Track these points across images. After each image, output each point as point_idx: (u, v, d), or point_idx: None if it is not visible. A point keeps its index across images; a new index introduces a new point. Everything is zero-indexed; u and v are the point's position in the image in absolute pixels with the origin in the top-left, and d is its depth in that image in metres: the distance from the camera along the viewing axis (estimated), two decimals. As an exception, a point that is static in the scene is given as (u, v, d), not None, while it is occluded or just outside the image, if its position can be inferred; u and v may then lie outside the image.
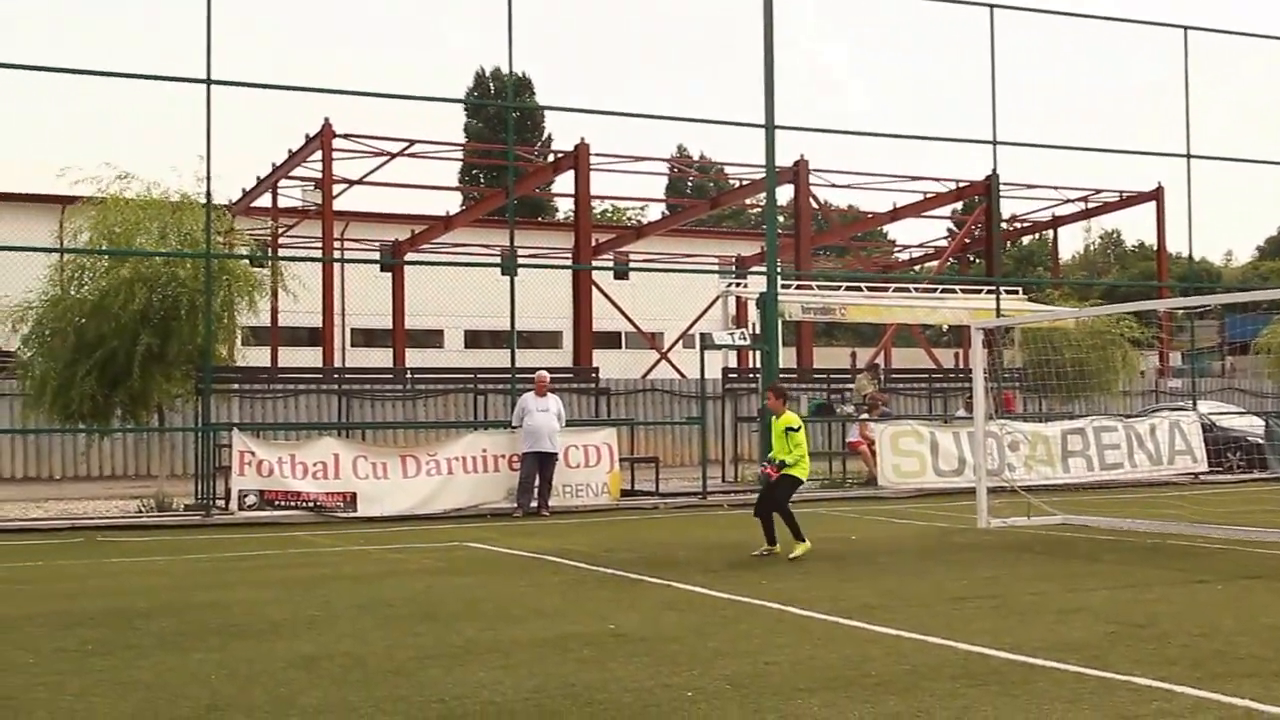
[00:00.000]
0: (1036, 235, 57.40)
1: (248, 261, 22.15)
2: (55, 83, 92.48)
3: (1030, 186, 42.48)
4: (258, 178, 39.07)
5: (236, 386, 23.20)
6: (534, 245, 46.40)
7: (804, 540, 13.36)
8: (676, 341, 43.86)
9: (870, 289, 33.52)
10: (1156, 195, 43.02)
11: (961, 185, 40.06)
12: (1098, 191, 44.76)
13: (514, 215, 24.55)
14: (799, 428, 13.89)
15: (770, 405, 14.50)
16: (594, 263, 38.15)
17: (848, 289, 32.18)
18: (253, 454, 18.63)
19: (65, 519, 18.60)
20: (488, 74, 71.40)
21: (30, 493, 24.12)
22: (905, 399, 30.40)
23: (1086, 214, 48.27)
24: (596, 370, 26.15)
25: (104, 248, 19.97)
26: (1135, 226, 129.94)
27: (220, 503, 18.91)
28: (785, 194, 36.67)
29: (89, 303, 19.55)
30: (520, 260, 22.85)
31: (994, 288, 28.06)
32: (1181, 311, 31.52)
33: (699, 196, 53.32)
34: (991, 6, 24.84)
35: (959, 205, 45.42)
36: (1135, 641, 8.36)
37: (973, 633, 8.68)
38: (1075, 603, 10.07)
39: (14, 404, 24.38)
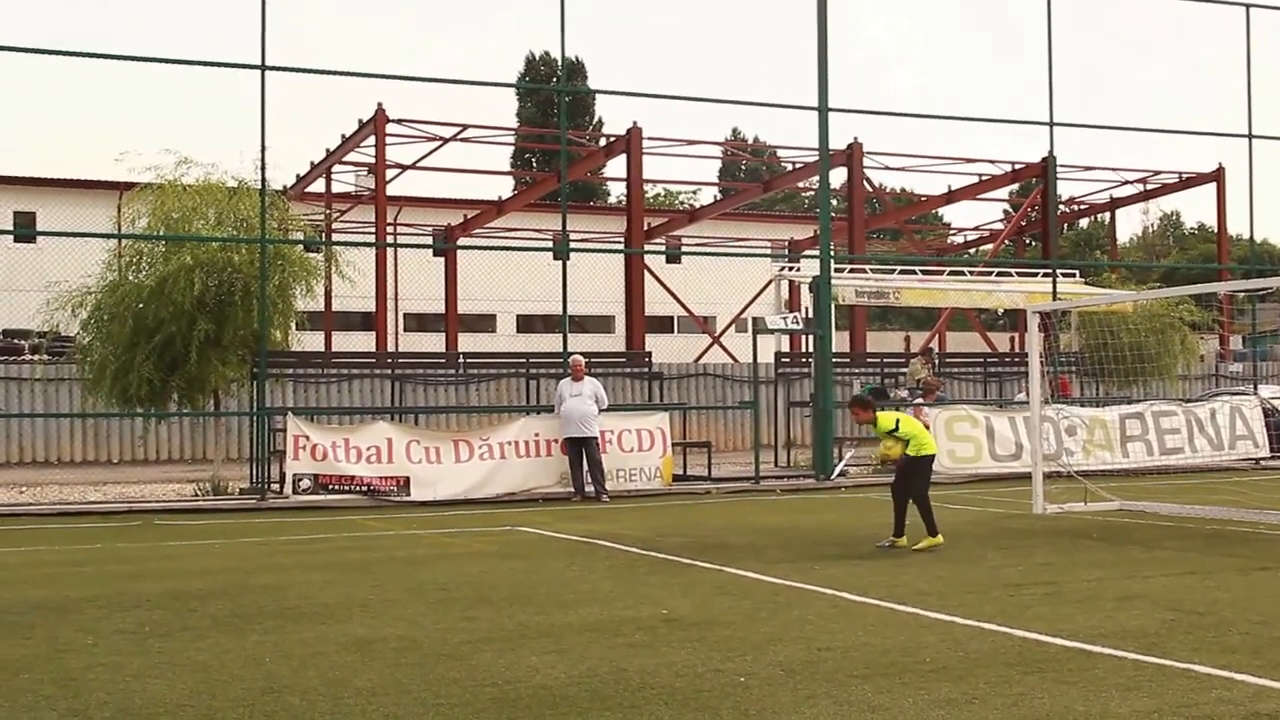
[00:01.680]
0: (1094, 217, 56.81)
1: (302, 247, 22.26)
2: (113, 70, 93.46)
3: (1088, 168, 42.07)
4: (312, 163, 39.31)
5: (291, 371, 23.34)
6: (586, 229, 46.46)
7: (936, 534, 12.78)
8: (729, 326, 43.78)
9: (924, 273, 33.35)
10: (1217, 176, 42.51)
11: (1017, 167, 39.72)
12: (1157, 173, 44.28)
13: (566, 199, 24.51)
14: (895, 425, 13.09)
15: (857, 419, 13.79)
16: (646, 247, 38.16)
17: (901, 272, 32.03)
18: (307, 438, 18.74)
19: (123, 502, 18.80)
20: (539, 58, 71.43)
21: (89, 476, 24.40)
22: (960, 383, 30.23)
23: (1145, 196, 47.76)
24: (649, 355, 26.13)
25: (161, 233, 20.14)
26: (1195, 208, 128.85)
27: (275, 487, 19.04)
28: (839, 177, 36.51)
29: (147, 288, 19.71)
30: (572, 244, 22.87)
31: (1050, 271, 27.83)
32: (1242, 294, 31.15)
33: (752, 180, 53.18)
34: (1048, -15, 24.59)
35: (1015, 187, 45.05)
36: (1195, 629, 8.25)
37: (1028, 619, 8.59)
38: (1133, 589, 9.95)
39: (73, 388, 24.66)
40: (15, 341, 33.26)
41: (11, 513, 17.74)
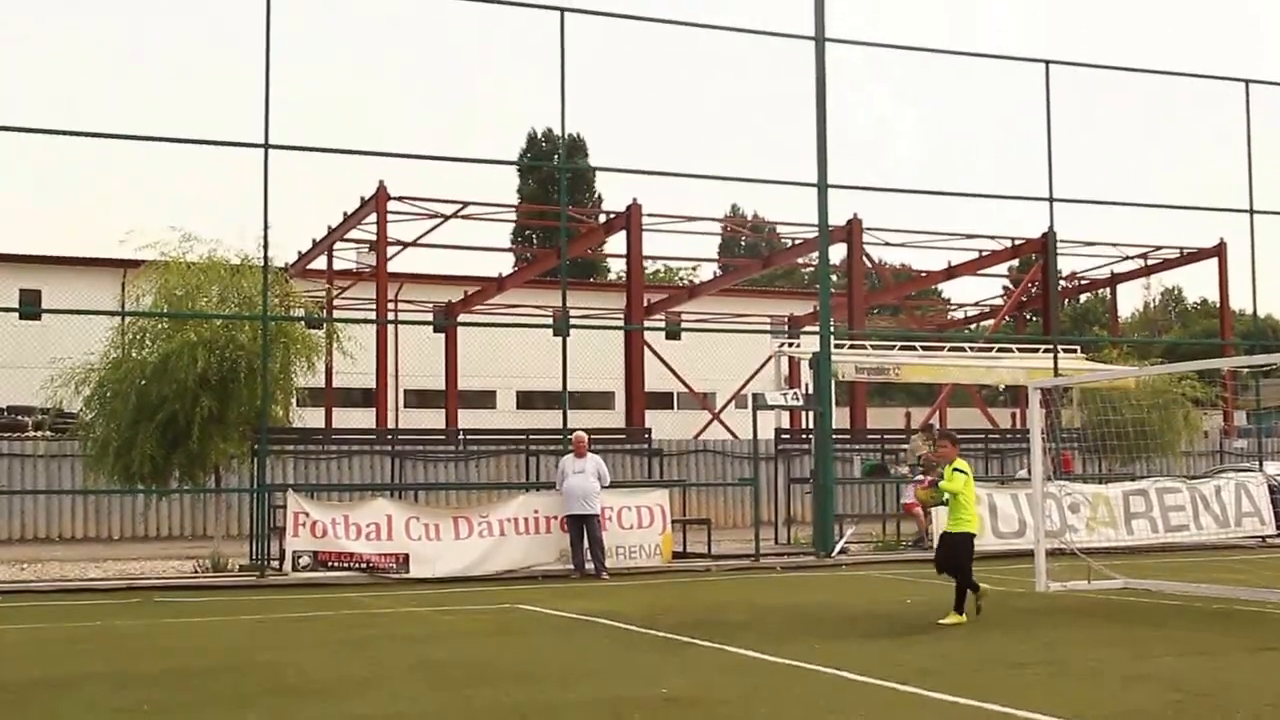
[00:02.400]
0: (1095, 293, 56.91)
1: (304, 323, 22.34)
2: (118, 148, 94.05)
3: (1088, 244, 42.23)
4: (313, 239, 39.48)
5: (292, 448, 23.31)
6: (586, 306, 46.55)
7: (961, 614, 12.90)
8: (729, 402, 43.78)
9: (925, 348, 33.38)
10: (1219, 251, 42.64)
11: (1018, 242, 39.83)
12: (1158, 248, 44.42)
13: (566, 276, 24.60)
14: (968, 472, 13.47)
15: (944, 453, 14.15)
16: (646, 323, 38.25)
17: (902, 348, 32.05)
18: (307, 515, 18.68)
19: (123, 579, 18.74)
20: (540, 135, 71.94)
21: (90, 553, 24.32)
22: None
23: (1146, 271, 47.87)
24: (649, 431, 26.11)
25: (165, 310, 20.21)
26: (1197, 283, 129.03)
27: (275, 563, 18.96)
28: (838, 253, 36.68)
29: (150, 365, 19.79)
30: (572, 321, 22.90)
31: (1051, 346, 27.86)
32: (1246, 370, 31.11)
33: (751, 256, 53.30)
34: (1047, 63, 24.81)
35: (1015, 262, 45.20)
36: (1202, 710, 8.18)
37: (1032, 700, 8.51)
38: (1139, 669, 9.88)
39: (75, 464, 24.64)
40: (18, 418, 33.31)
41: (12, 590, 17.67)
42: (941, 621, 12.70)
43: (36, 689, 9.36)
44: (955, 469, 13.50)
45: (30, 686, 9.48)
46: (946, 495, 13.56)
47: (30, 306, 42.73)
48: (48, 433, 29.88)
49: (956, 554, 13.33)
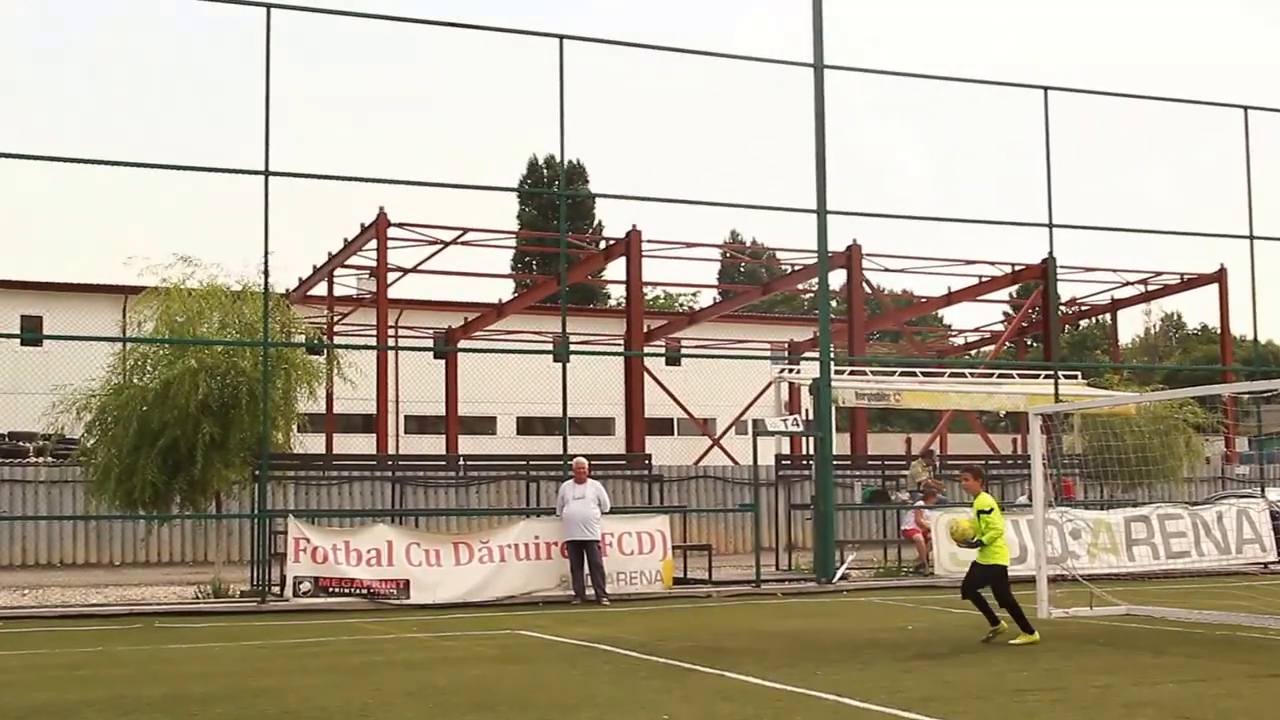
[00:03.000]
0: (1095, 319, 56.96)
1: (305, 350, 22.37)
2: (120, 175, 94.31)
3: (1088, 270, 42.27)
4: (314, 266, 39.54)
5: (292, 474, 23.31)
6: (586, 332, 46.64)
7: (1032, 631, 13.39)
8: (729, 428, 43.74)
9: (925, 374, 33.39)
10: (1219, 277, 42.69)
11: (1018, 268, 39.83)
12: (1158, 274, 44.47)
13: (566, 302, 24.63)
14: (991, 509, 13.78)
15: (968, 486, 14.56)
16: (646, 349, 38.27)
17: (902, 374, 32.05)
18: (308, 540, 18.68)
19: (124, 605, 18.72)
20: (540, 161, 72.13)
21: (91, 578, 24.30)
22: (962, 486, 30.08)
23: (1147, 297, 47.92)
24: (649, 457, 26.10)
25: (166, 337, 20.24)
26: (1197, 309, 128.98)
27: (276, 589, 18.95)
28: (838, 279, 36.69)
29: (152, 391, 19.81)
30: (572, 347, 22.98)
31: (1052, 372, 27.87)
32: (1247, 396, 31.16)
33: (751, 282, 53.41)
34: (1046, 89, 24.88)
35: (1015, 288, 45.25)
36: (1202, 736, 8.18)
37: (1035, 725, 8.51)
38: (1142, 696, 9.86)
39: (77, 490, 24.63)
40: (20, 444, 33.31)
41: (14, 615, 17.68)
42: (1014, 642, 13.18)
43: (38, 715, 9.35)
44: (981, 511, 13.76)
45: (32, 713, 9.47)
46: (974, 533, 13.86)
47: (32, 333, 42.85)
48: (49, 458, 29.86)
49: (992, 586, 13.65)
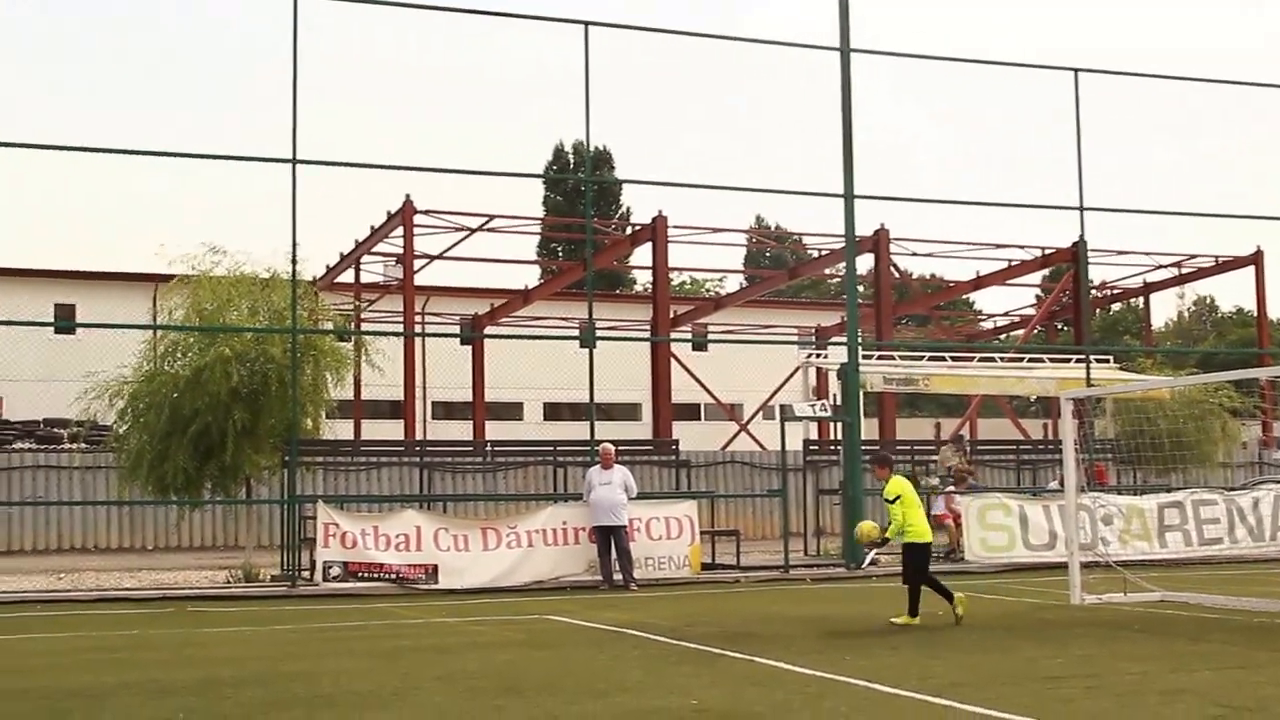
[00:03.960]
0: (1127, 302, 56.59)
1: (333, 336, 22.45)
2: (150, 165, 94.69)
3: (1120, 253, 42.01)
4: (341, 253, 39.64)
5: (321, 459, 23.40)
6: (612, 318, 46.62)
7: (915, 615, 13.69)
8: (756, 413, 43.73)
9: (954, 359, 33.28)
10: (1255, 259, 42.38)
11: (1048, 252, 39.66)
12: (1192, 256, 44.16)
13: (592, 288, 24.62)
14: (895, 498, 14.04)
15: (878, 475, 14.80)
16: (672, 334, 38.23)
17: (931, 359, 31.96)
18: (337, 526, 18.76)
19: (157, 589, 18.87)
20: (567, 148, 72.10)
21: (125, 563, 24.47)
22: (992, 471, 30.02)
23: (1180, 280, 47.58)
24: (676, 442, 26.08)
25: (197, 324, 20.35)
26: (1232, 292, 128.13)
27: (306, 574, 19.04)
28: (865, 263, 36.58)
29: (183, 378, 19.92)
30: (599, 332, 22.94)
31: (1083, 356, 27.72)
32: (1285, 379, 30.79)
33: (777, 267, 53.28)
34: (1076, 71, 24.71)
35: (1046, 272, 45.05)
36: (1239, 723, 8.10)
37: (1069, 714, 8.46)
38: (1179, 684, 9.78)
39: (110, 476, 24.80)
40: (54, 430, 33.60)
41: (50, 599, 17.82)
42: (893, 620, 13.65)
43: (73, 698, 9.40)
44: (888, 500, 14.15)
45: (69, 695, 9.53)
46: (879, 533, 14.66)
47: (65, 321, 43.11)
48: (83, 445, 30.10)
49: (914, 562, 14.11)
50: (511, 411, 50.69)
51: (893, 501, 14.01)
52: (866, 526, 15.10)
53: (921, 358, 32.07)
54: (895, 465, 15.24)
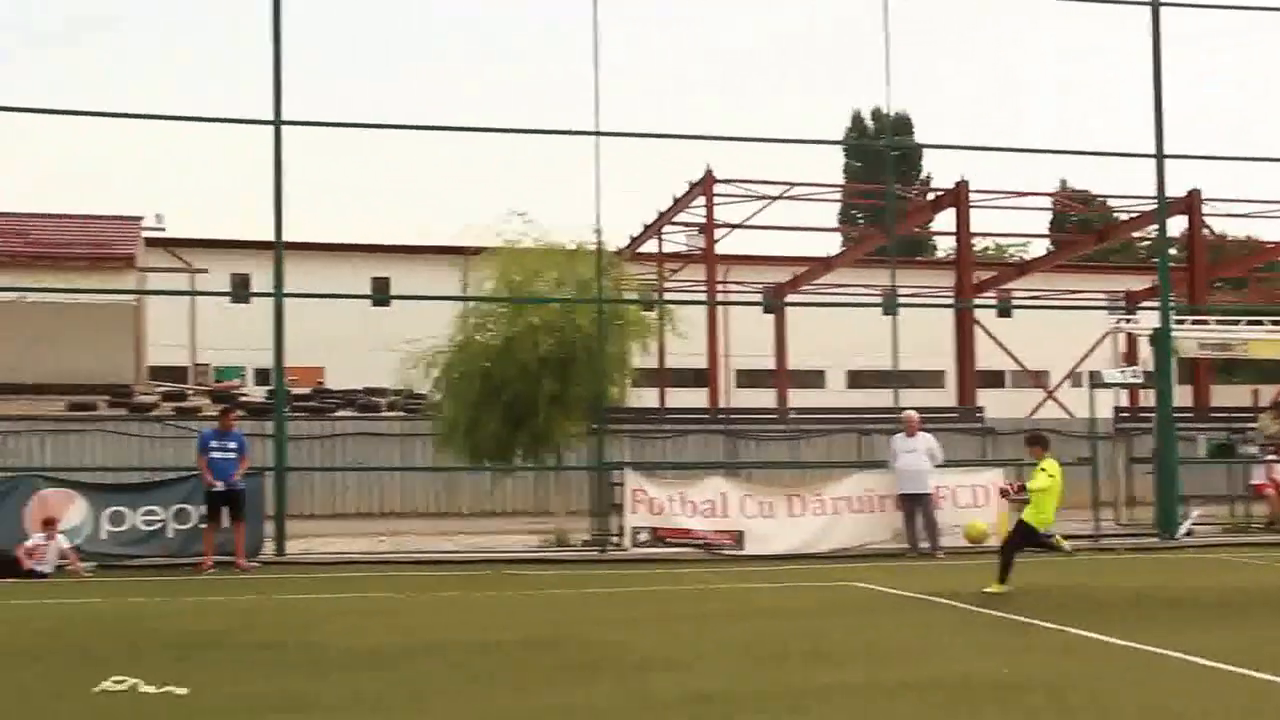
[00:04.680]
0: None
1: (638, 306, 22.90)
2: (460, 141, 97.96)
3: None
4: (644, 224, 40.33)
5: (628, 427, 23.95)
6: (915, 284, 46.08)
7: (1003, 584, 13.76)
8: (1064, 380, 42.60)
9: (1275, 323, 31.71)
10: None
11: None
12: None
13: (894, 254, 24.43)
14: (1038, 486, 14.45)
15: (1033, 455, 15.18)
16: (975, 301, 37.57)
17: (1248, 323, 30.53)
18: (645, 492, 19.23)
19: (474, 552, 19.66)
20: (865, 115, 71.44)
21: (442, 526, 25.56)
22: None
23: None
24: (981, 410, 25.69)
25: (504, 295, 21.05)
26: None
27: (615, 539, 19.57)
28: (1177, 225, 35.18)
29: (494, 348, 20.61)
30: (901, 299, 22.79)
31: None
32: None
33: (1084, 231, 51.60)
34: None
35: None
36: None
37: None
38: None
39: (426, 443, 25.91)
40: (373, 399, 35.24)
41: (372, 561, 18.82)
42: (986, 590, 13.56)
43: (404, 653, 9.99)
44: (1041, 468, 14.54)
45: (397, 651, 10.12)
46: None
47: (380, 294, 45.26)
48: (400, 413, 31.46)
49: (1023, 537, 14.32)
50: (814, 379, 50.72)
51: (1031, 483, 14.45)
52: (980, 525, 16.08)
53: (1238, 322, 30.65)
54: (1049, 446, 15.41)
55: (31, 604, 13.77)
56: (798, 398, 41.43)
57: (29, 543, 16.67)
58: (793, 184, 35.56)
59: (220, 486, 17.63)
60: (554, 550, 19.88)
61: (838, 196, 51.83)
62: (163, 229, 41.92)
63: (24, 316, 32.13)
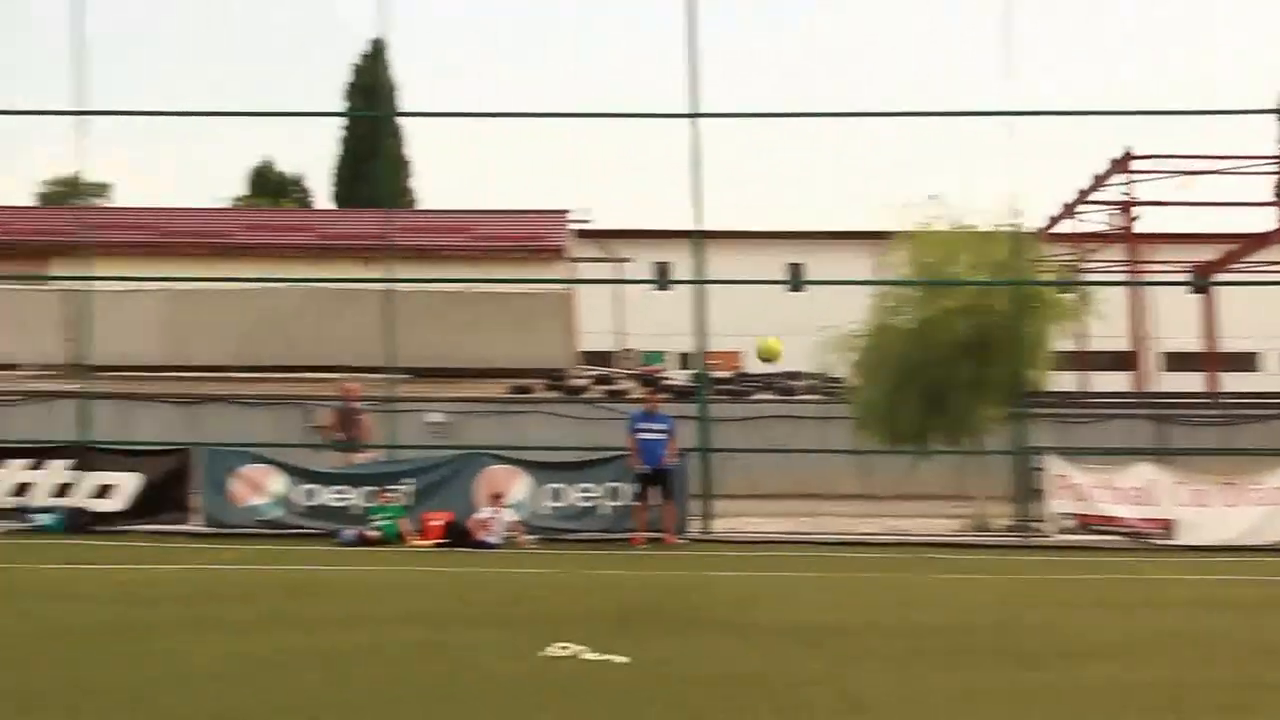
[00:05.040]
0: None
1: (1056, 288, 22.33)
2: (869, 126, 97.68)
3: None
4: (1064, 204, 39.21)
5: (1048, 411, 23.41)
6: (1363, 259, 42.87)
7: None
8: None
9: None
10: None
11: None
12: None
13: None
14: None
15: None
16: None
17: None
18: (1069, 478, 18.82)
19: (892, 534, 19.71)
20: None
21: (858, 509, 25.67)
22: None
23: None
24: None
25: (916, 279, 20.93)
26: None
27: (1037, 525, 19.20)
28: None
29: (910, 332, 20.56)
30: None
31: None
32: None
33: None
34: None
35: None
36: None
37: None
38: None
39: (841, 426, 26.07)
40: (790, 382, 35.71)
41: (791, 540, 19.20)
42: None
43: (834, 631, 10.15)
44: None
45: (827, 629, 10.29)
46: None
47: (795, 279, 45.81)
48: (817, 396, 31.74)
49: None
50: (1246, 362, 48.01)
51: None
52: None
53: None
54: None
55: (483, 571, 14.79)
56: (1230, 381, 39.31)
57: (479, 515, 18.02)
58: (1220, 156, 33.76)
59: (647, 469, 18.39)
60: (973, 535, 19.69)
61: (1273, 169, 48.82)
62: (590, 221, 43.70)
63: (470, 306, 34.12)
